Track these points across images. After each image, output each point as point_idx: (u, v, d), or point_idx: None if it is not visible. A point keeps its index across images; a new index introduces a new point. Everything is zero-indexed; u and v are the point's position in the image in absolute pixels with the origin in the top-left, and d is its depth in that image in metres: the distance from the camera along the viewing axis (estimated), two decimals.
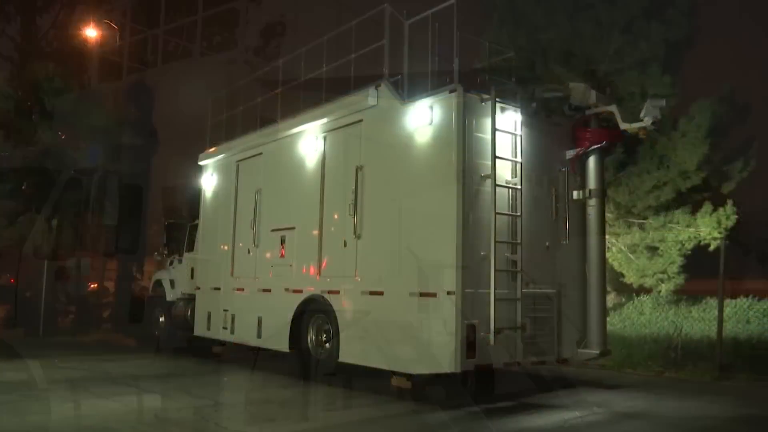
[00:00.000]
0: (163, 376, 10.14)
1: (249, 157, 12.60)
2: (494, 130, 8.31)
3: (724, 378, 10.15)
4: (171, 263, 16.16)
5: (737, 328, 14.79)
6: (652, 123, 9.34)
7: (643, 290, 18.30)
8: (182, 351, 13.92)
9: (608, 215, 15.45)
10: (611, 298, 18.10)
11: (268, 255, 11.61)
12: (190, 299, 14.58)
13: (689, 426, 7.06)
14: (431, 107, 8.52)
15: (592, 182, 9.49)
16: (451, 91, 8.31)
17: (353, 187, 9.60)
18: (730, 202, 16.09)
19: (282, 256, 11.18)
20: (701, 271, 15.83)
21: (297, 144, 11.12)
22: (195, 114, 15.52)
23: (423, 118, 8.61)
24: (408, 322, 8.50)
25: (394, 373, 8.95)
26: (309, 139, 10.83)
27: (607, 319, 10.67)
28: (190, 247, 15.16)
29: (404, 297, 8.55)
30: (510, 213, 8.54)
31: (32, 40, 22.02)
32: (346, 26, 10.26)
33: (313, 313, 10.35)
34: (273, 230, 11.49)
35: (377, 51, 9.60)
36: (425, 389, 8.78)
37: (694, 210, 16.52)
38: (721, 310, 10.72)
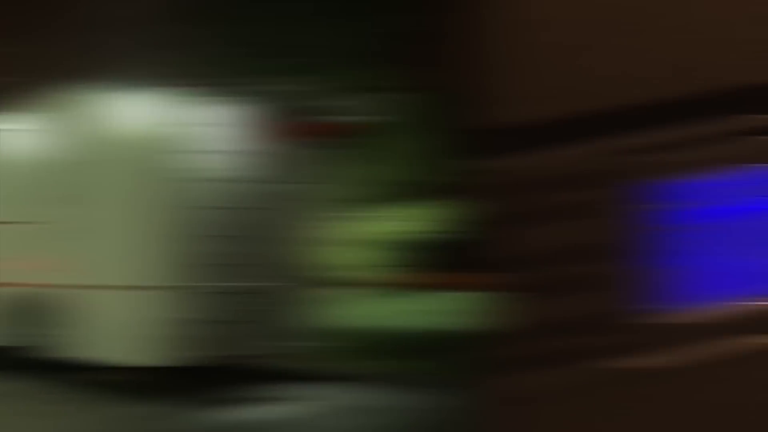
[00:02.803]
0: None
1: None
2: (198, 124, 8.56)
3: None
4: None
5: None
6: None
7: None
8: None
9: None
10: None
11: None
12: None
13: None
14: (138, 103, 8.59)
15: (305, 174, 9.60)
16: (148, 88, 8.48)
17: (70, 180, 9.30)
18: None
19: None
20: None
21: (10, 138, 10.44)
22: None
23: (133, 114, 8.63)
24: (124, 316, 8.53)
25: (111, 367, 8.91)
26: (23, 133, 10.23)
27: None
28: None
29: (120, 291, 8.55)
30: (224, 206, 8.71)
31: None
32: None
33: (30, 308, 9.89)
34: None
35: None
36: (141, 384, 8.82)
37: None
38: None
